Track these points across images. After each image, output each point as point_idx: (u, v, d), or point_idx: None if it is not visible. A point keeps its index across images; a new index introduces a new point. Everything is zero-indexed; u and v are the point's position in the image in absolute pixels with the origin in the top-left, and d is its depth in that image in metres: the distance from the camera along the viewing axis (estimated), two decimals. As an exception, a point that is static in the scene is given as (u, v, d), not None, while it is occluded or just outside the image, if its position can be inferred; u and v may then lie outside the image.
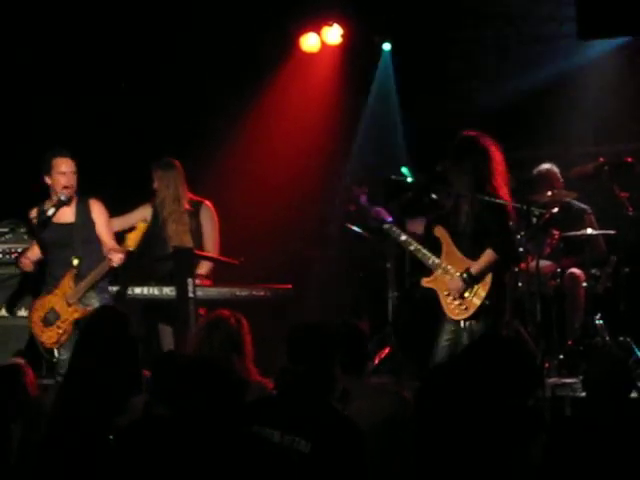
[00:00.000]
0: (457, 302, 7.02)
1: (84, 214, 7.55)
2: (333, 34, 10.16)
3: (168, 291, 7.93)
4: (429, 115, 9.63)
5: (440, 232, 7.18)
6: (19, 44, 9.26)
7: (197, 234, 8.28)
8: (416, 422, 3.88)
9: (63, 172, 7.46)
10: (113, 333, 5.22)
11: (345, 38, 10.14)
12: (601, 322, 8.35)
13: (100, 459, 4.70)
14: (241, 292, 8.03)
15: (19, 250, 8.19)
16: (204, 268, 8.20)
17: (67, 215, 7.54)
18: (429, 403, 3.87)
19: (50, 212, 7.43)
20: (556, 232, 8.46)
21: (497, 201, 7.00)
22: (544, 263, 8.36)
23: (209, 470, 4.39)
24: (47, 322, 7.45)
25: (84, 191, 7.59)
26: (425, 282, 7.20)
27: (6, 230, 8.30)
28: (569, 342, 8.30)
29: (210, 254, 8.23)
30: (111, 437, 4.78)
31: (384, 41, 10.20)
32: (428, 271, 7.19)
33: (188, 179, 8.35)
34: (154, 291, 7.98)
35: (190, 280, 7.79)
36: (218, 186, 9.16)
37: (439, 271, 7.12)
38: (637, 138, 9.29)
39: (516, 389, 4.27)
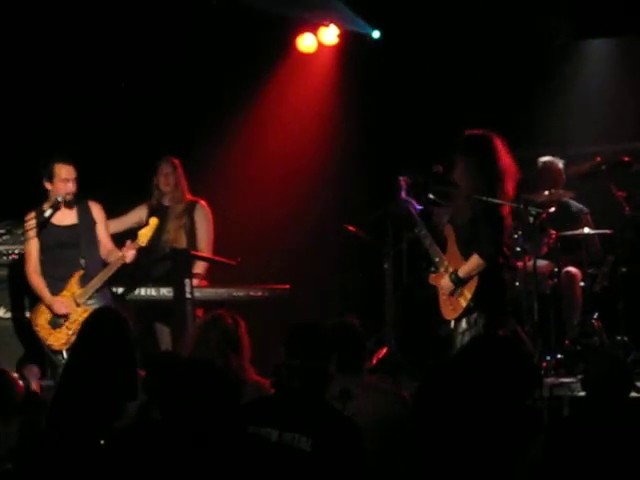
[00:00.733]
0: (449, 302, 7.13)
1: (86, 215, 7.58)
2: (329, 34, 10.15)
3: (165, 292, 7.93)
4: (428, 115, 9.62)
5: (448, 231, 7.28)
6: (19, 44, 9.24)
7: (191, 233, 8.28)
8: (415, 422, 3.88)
9: (65, 179, 7.46)
10: (112, 334, 5.19)
11: (341, 38, 10.13)
12: (598, 321, 8.37)
13: (92, 463, 4.67)
14: (238, 292, 8.04)
15: (16, 251, 8.18)
16: (200, 268, 8.20)
17: (70, 217, 7.56)
18: (428, 403, 3.87)
19: (47, 213, 7.43)
20: (553, 232, 8.46)
21: (495, 201, 7.01)
22: (541, 262, 8.37)
23: (205, 471, 4.37)
24: (55, 324, 7.42)
25: (84, 192, 7.60)
26: (430, 279, 7.33)
27: (3, 231, 8.28)
28: (567, 341, 8.31)
29: (205, 254, 8.22)
30: (102, 442, 4.75)
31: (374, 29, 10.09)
32: (427, 271, 7.34)
33: (186, 179, 8.38)
34: (151, 292, 7.98)
35: (187, 281, 7.79)
36: (215, 186, 9.17)
37: (441, 269, 7.22)
38: (634, 137, 9.28)
39: (514, 389, 4.28)
